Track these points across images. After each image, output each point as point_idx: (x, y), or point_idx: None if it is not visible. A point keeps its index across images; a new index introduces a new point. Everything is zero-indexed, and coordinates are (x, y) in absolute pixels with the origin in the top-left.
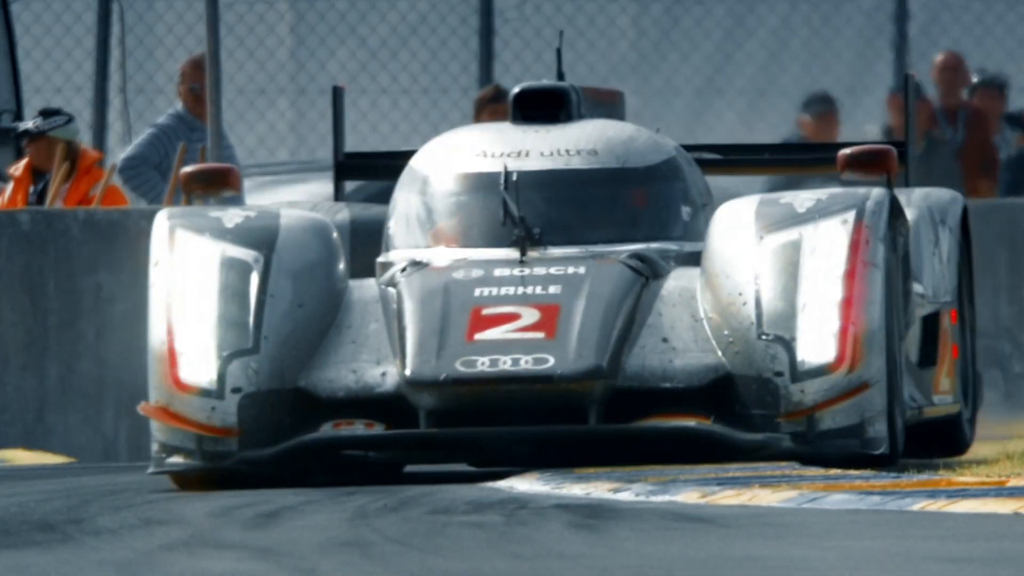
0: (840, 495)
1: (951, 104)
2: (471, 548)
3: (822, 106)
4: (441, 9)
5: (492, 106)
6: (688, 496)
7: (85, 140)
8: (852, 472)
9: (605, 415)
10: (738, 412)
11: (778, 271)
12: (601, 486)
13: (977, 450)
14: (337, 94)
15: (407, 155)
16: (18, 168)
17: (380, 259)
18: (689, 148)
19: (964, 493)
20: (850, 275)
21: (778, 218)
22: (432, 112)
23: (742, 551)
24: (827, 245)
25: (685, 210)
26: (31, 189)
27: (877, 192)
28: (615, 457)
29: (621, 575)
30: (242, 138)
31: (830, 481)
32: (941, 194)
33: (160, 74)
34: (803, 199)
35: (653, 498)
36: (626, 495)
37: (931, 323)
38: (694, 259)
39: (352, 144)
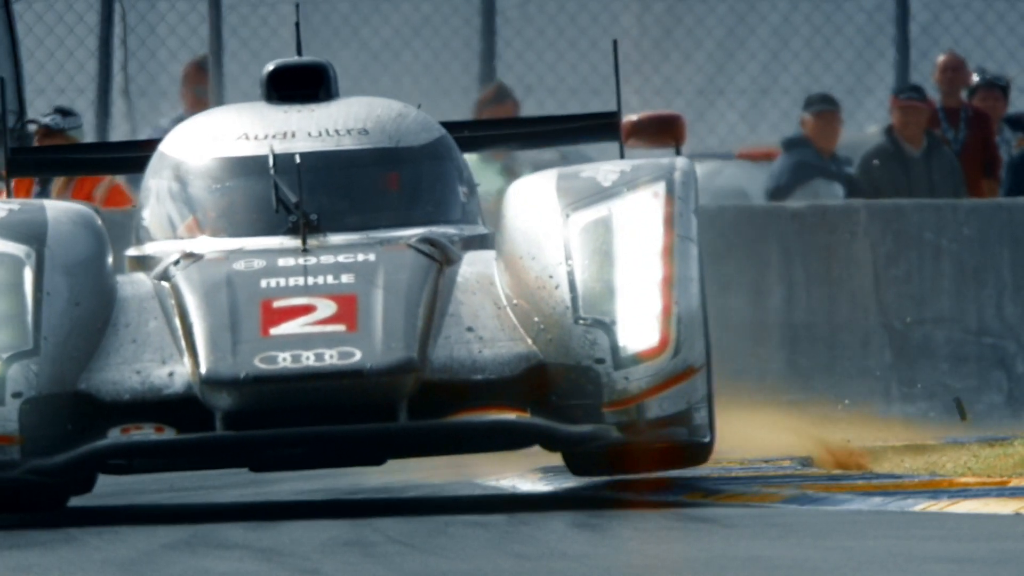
0: (842, 495)
1: (952, 104)
2: (473, 548)
3: (823, 105)
4: (444, 10)
5: (494, 106)
6: (691, 496)
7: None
8: (854, 472)
9: (415, 410)
10: (555, 403)
11: (591, 250)
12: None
13: (979, 451)
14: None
15: (82, 148)
16: None
17: (132, 252)
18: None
19: (966, 494)
20: (667, 251)
21: (583, 193)
22: (434, 113)
23: (745, 551)
24: (640, 220)
25: (462, 191)
26: (34, 190)
27: (681, 162)
28: (429, 452)
29: (624, 575)
30: None
31: (832, 482)
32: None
33: (163, 76)
34: (605, 171)
35: (656, 498)
36: (629, 494)
37: None
38: (476, 243)
39: None
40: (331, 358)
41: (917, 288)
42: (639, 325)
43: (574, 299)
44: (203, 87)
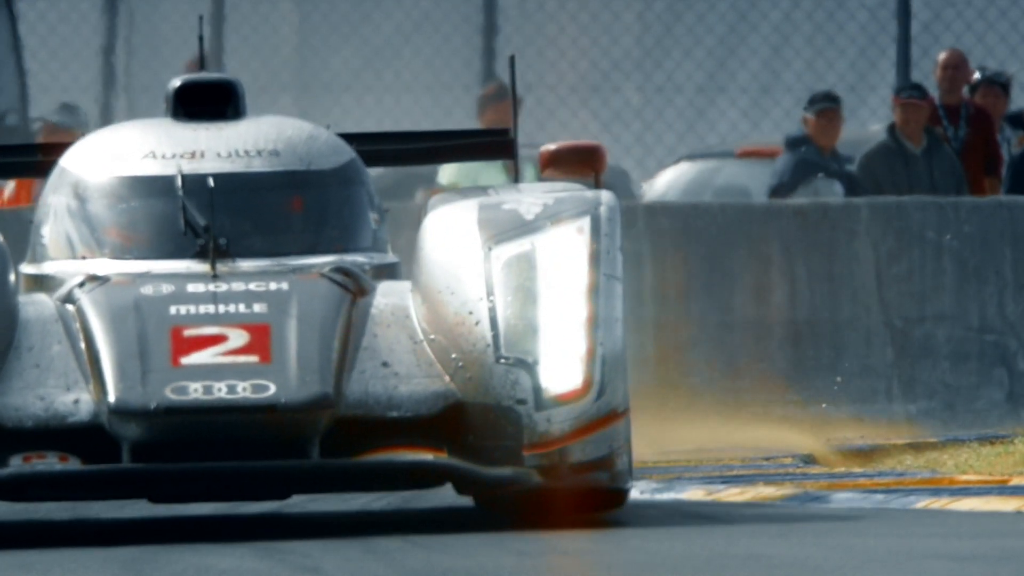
0: (844, 493)
1: (953, 102)
2: (475, 544)
3: (825, 103)
4: (444, 7)
5: (495, 103)
6: (693, 494)
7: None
8: (856, 470)
9: (327, 447)
10: (473, 443)
11: (513, 287)
12: None
13: (980, 449)
14: None
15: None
16: None
17: (29, 270)
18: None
19: (967, 491)
20: (591, 290)
21: (505, 226)
22: (434, 109)
23: (746, 549)
24: (563, 257)
25: (372, 217)
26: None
27: (606, 196)
28: (340, 490)
29: (626, 572)
30: None
31: (834, 479)
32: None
33: (166, 72)
34: (528, 204)
35: (658, 496)
36: (631, 492)
37: None
38: (386, 272)
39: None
40: (244, 391)
41: (919, 286)
42: (562, 366)
43: (495, 337)
44: None
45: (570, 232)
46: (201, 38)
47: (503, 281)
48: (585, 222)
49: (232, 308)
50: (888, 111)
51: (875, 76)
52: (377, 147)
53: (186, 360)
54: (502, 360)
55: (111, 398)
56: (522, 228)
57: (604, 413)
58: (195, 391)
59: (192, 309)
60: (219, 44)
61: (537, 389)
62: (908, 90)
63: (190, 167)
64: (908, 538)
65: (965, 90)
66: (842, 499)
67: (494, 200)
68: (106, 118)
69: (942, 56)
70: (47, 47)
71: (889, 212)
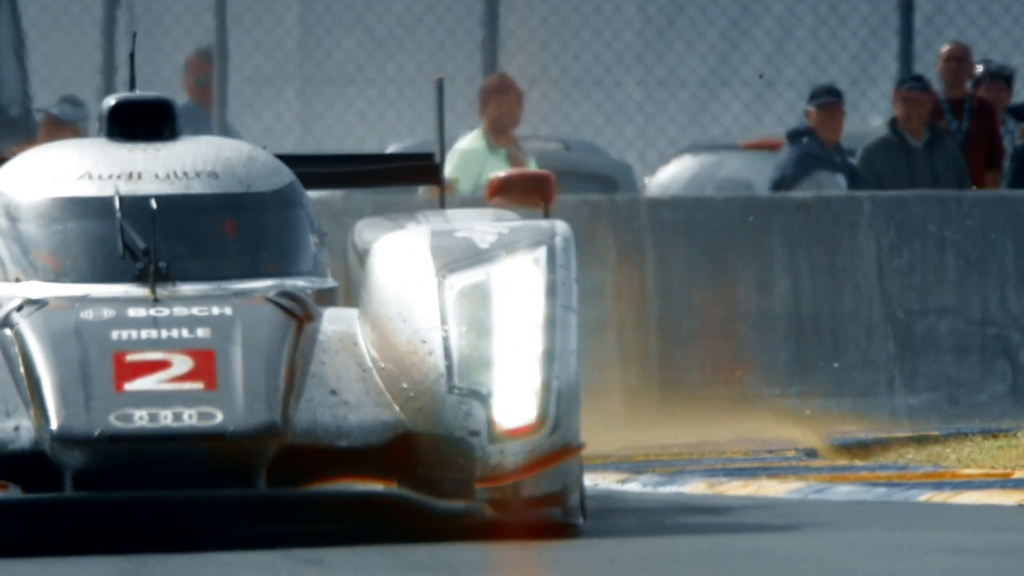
0: (846, 486)
1: (956, 95)
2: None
3: (827, 97)
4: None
5: (498, 97)
6: (695, 487)
7: (93, 131)
8: (858, 463)
9: (274, 476)
10: (423, 475)
11: (467, 317)
12: (609, 476)
13: (982, 442)
14: None
15: None
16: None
17: None
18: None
19: (969, 485)
20: (547, 323)
21: (459, 255)
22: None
23: (749, 542)
24: (519, 288)
25: (312, 240)
26: None
27: (561, 226)
28: (289, 520)
29: (629, 565)
30: (249, 127)
31: (836, 473)
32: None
33: (167, 66)
34: (482, 233)
35: (660, 489)
36: (633, 486)
37: None
38: (327, 297)
39: (360, 134)
40: (190, 418)
41: (921, 279)
42: (516, 399)
43: (448, 367)
44: (205, 75)
45: (526, 263)
46: (132, 56)
47: (457, 311)
48: (541, 253)
49: (175, 333)
50: (890, 105)
51: (877, 69)
52: (299, 170)
53: (130, 386)
54: (455, 390)
55: (53, 425)
56: (477, 257)
57: (558, 447)
58: (140, 418)
59: (134, 334)
60: (223, 36)
61: (490, 421)
62: (910, 82)
63: (128, 188)
64: (910, 531)
65: (968, 83)
66: (844, 492)
67: (446, 228)
68: None
69: (945, 49)
70: (49, 40)
71: (891, 205)
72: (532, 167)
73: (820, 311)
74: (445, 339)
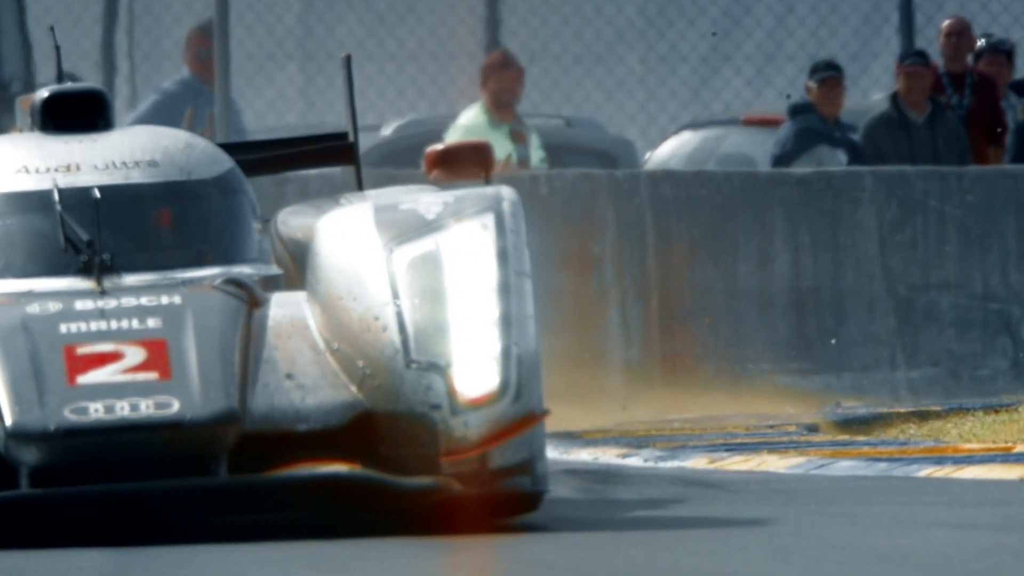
0: (847, 461)
1: (957, 70)
2: (478, 516)
3: (828, 72)
4: None
5: (500, 73)
6: (696, 462)
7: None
8: (860, 438)
9: (234, 464)
10: (386, 454)
11: (420, 288)
12: (609, 451)
13: (984, 417)
14: None
15: None
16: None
17: None
18: None
19: (970, 459)
20: (503, 288)
21: (406, 227)
22: (440, 77)
23: (750, 517)
24: (470, 254)
25: (256, 227)
26: None
27: (507, 191)
28: (251, 510)
29: (631, 540)
30: (251, 102)
31: (837, 448)
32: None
33: (167, 40)
34: (427, 203)
35: (661, 464)
36: (634, 460)
37: None
38: (273, 284)
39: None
40: (147, 408)
41: (922, 254)
42: (476, 367)
43: (404, 341)
44: (205, 49)
45: (475, 229)
46: (58, 48)
47: (408, 283)
48: (489, 218)
49: (125, 324)
50: (891, 80)
51: (879, 43)
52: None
53: (83, 379)
54: (413, 365)
55: (7, 422)
56: (424, 228)
57: (522, 415)
58: (96, 411)
59: (83, 326)
60: (224, 12)
61: (451, 393)
62: (911, 57)
63: (66, 181)
64: (911, 506)
65: (969, 58)
66: (845, 467)
67: (389, 202)
68: (108, 86)
69: (946, 23)
70: (51, 15)
71: (892, 181)
72: (534, 143)
73: (821, 286)
74: (398, 313)
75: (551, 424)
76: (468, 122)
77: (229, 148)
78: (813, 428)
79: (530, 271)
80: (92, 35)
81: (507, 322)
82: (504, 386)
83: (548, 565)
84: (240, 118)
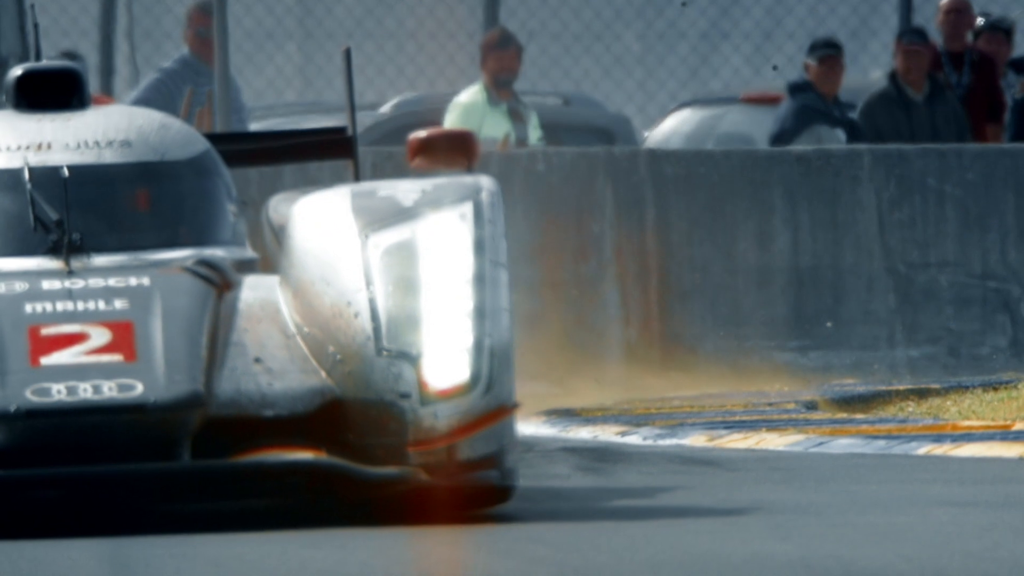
0: (846, 439)
1: (956, 48)
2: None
3: (827, 50)
4: None
5: (498, 51)
6: (695, 440)
7: (92, 85)
8: (858, 416)
9: (199, 449)
10: (353, 441)
11: (394, 276)
12: (608, 429)
13: (983, 395)
14: None
15: None
16: None
17: None
18: None
19: (969, 437)
20: (478, 280)
21: (382, 214)
22: (439, 56)
23: (749, 495)
24: (446, 244)
25: (230, 209)
26: None
27: (487, 181)
28: (214, 495)
29: (628, 518)
30: (250, 81)
31: (836, 426)
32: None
33: (168, 18)
34: (405, 191)
35: (660, 442)
36: (633, 438)
37: None
38: (247, 268)
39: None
40: (110, 391)
41: (921, 233)
42: (447, 359)
43: (376, 329)
44: (205, 27)
45: (452, 218)
46: (36, 25)
47: (383, 270)
48: (467, 208)
49: (91, 305)
50: (890, 58)
51: (877, 21)
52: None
53: (46, 360)
54: (384, 353)
55: None
56: (401, 215)
57: (492, 408)
58: (58, 392)
59: (49, 307)
60: None
61: (421, 383)
62: (910, 35)
63: (37, 159)
64: (910, 484)
65: (968, 36)
66: (844, 445)
67: (367, 188)
68: (106, 64)
69: (944, 1)
70: None
71: (891, 159)
72: (533, 121)
73: (820, 264)
74: (371, 300)
75: (550, 402)
76: (467, 100)
77: (228, 139)
78: (812, 406)
79: (507, 262)
80: (90, 12)
81: (481, 313)
82: (475, 378)
83: (547, 542)
84: (239, 96)
